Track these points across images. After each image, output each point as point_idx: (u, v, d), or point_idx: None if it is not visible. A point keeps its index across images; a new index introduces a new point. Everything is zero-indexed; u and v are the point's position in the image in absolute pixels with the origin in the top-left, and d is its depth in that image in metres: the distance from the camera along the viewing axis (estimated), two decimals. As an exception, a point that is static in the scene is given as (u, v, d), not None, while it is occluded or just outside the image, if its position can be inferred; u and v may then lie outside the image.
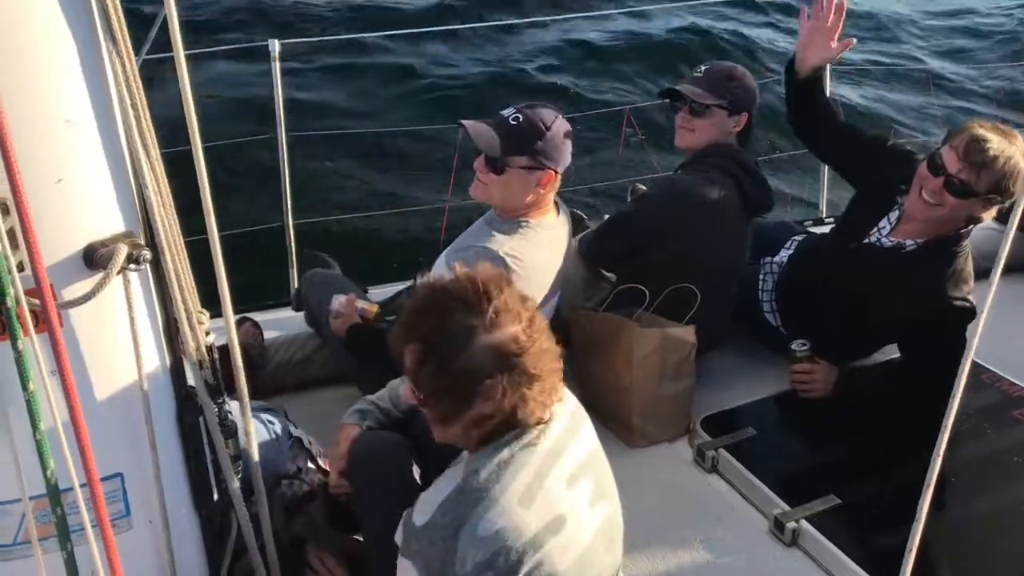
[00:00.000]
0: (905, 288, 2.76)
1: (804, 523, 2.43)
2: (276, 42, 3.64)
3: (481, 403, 1.58)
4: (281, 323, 3.21)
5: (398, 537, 1.64)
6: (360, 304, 2.86)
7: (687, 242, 2.85)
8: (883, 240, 2.88)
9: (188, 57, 1.54)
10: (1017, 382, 3.02)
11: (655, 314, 2.86)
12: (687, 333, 2.82)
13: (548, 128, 2.48)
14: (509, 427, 1.62)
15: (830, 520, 2.45)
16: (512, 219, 2.57)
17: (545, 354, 1.61)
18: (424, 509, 1.61)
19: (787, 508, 2.49)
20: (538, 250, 2.56)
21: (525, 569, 1.55)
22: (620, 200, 3.83)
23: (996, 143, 2.62)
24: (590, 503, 1.68)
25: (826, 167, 4.33)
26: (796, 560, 2.41)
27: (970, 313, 2.69)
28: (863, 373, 3.03)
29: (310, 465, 2.21)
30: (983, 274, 1.80)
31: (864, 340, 3.05)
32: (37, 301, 1.37)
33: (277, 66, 3.63)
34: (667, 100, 3.02)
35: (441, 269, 2.58)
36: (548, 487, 1.61)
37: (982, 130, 2.66)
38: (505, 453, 1.61)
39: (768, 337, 3.20)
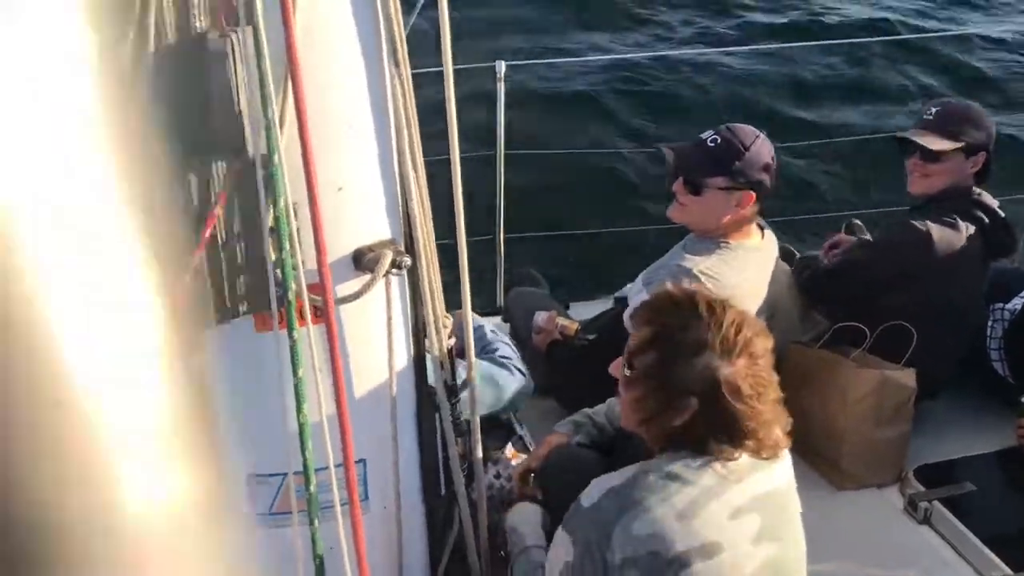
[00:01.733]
0: None
1: (1026, 589, 2.31)
2: (503, 63, 3.79)
3: (676, 416, 1.62)
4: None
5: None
6: (561, 321, 2.94)
7: (922, 290, 2.76)
8: None
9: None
10: None
11: (873, 354, 2.78)
12: (907, 377, 2.73)
13: (747, 148, 2.48)
14: (693, 445, 1.65)
15: (1056, 588, 2.30)
16: (710, 239, 2.58)
17: (760, 414, 1.62)
18: (592, 493, 1.67)
19: (1008, 572, 2.36)
20: (739, 271, 2.55)
21: None
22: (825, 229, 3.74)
23: None
24: (753, 540, 1.66)
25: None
26: (1015, 627, 2.28)
27: None
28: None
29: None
30: None
31: None
32: (316, 296, 1.53)
33: (502, 87, 3.78)
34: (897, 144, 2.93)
35: (638, 286, 2.64)
36: (711, 511, 1.62)
37: None
38: (679, 466, 1.63)
39: (994, 388, 3.03)
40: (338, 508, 1.64)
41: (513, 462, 2.29)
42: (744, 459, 1.66)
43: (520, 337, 3.16)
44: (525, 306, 3.11)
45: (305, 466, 1.63)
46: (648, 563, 1.58)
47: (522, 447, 2.26)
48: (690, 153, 2.52)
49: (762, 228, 2.66)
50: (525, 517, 2.06)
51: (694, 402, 1.59)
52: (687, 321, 1.61)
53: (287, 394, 1.66)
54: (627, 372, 1.69)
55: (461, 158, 1.75)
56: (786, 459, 1.78)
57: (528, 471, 2.17)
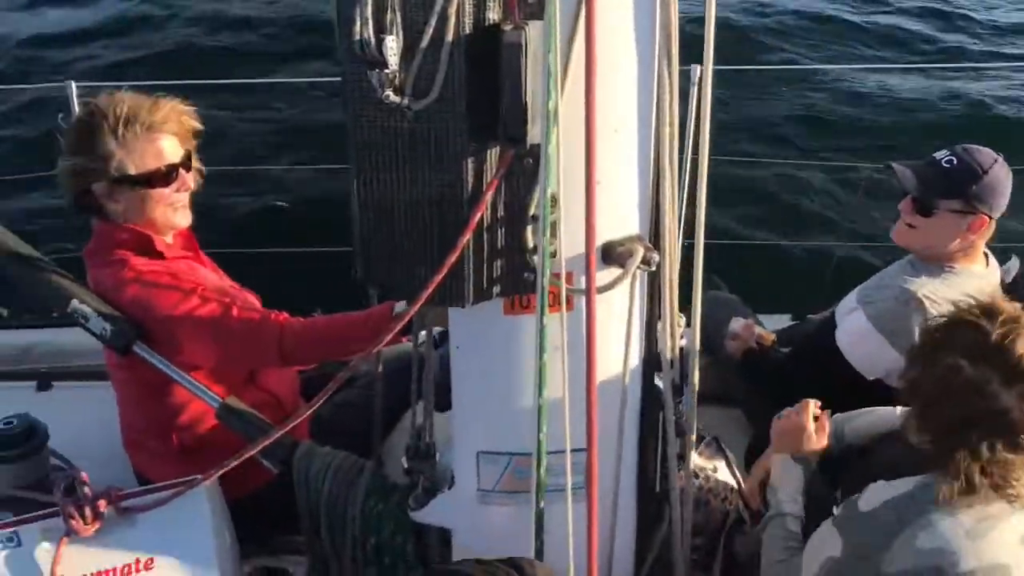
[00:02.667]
0: None
1: None
2: (699, 67, 3.77)
3: (960, 442, 1.61)
4: None
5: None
6: (758, 330, 2.90)
7: None
8: None
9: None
10: None
11: None
12: None
13: (986, 171, 2.38)
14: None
15: None
16: (935, 262, 2.49)
17: None
18: (871, 499, 1.68)
19: None
20: (963, 298, 2.44)
21: None
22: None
23: None
24: None
25: None
26: None
27: None
28: None
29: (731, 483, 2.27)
30: None
31: None
32: (568, 285, 1.57)
33: (695, 91, 3.76)
34: None
35: (851, 304, 2.57)
36: (1000, 532, 1.60)
37: None
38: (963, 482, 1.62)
39: None
40: (569, 493, 1.68)
41: (708, 463, 2.28)
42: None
43: (710, 342, 3.14)
44: (720, 312, 3.08)
45: (538, 448, 1.69)
46: None
47: (716, 449, 2.25)
48: (924, 173, 2.44)
49: (986, 254, 2.56)
50: (789, 477, 2.03)
51: (975, 437, 1.59)
52: (983, 351, 1.60)
53: (526, 376, 1.72)
54: (904, 381, 1.72)
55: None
56: None
57: (761, 483, 2.16)
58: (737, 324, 2.91)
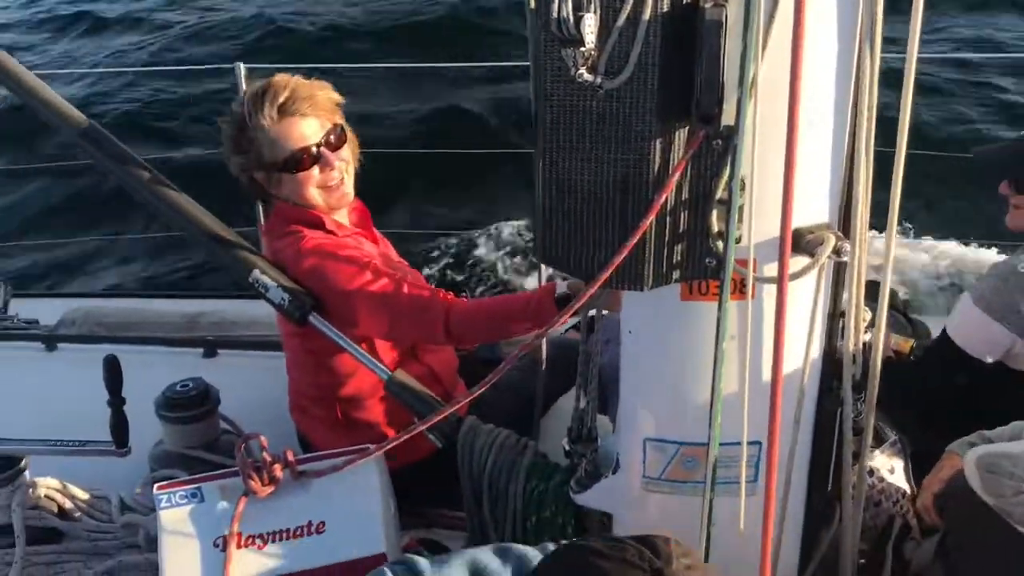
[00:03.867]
0: None
1: None
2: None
3: None
4: None
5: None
6: (895, 338, 2.77)
7: None
8: None
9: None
10: None
11: None
12: None
13: None
14: None
15: None
16: None
17: None
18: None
19: None
20: None
21: None
22: None
23: None
24: None
25: None
26: None
27: None
28: None
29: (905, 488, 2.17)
30: None
31: None
32: (753, 273, 1.53)
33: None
34: None
35: (966, 298, 2.48)
36: None
37: None
38: None
39: None
40: (743, 486, 1.64)
41: (886, 462, 2.18)
42: None
43: None
44: None
45: (711, 438, 1.65)
46: None
47: (898, 451, 2.15)
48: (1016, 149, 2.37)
49: None
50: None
51: None
52: None
53: (700, 365, 1.69)
54: None
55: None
56: None
57: (936, 496, 2.06)
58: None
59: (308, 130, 2.26)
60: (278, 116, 2.22)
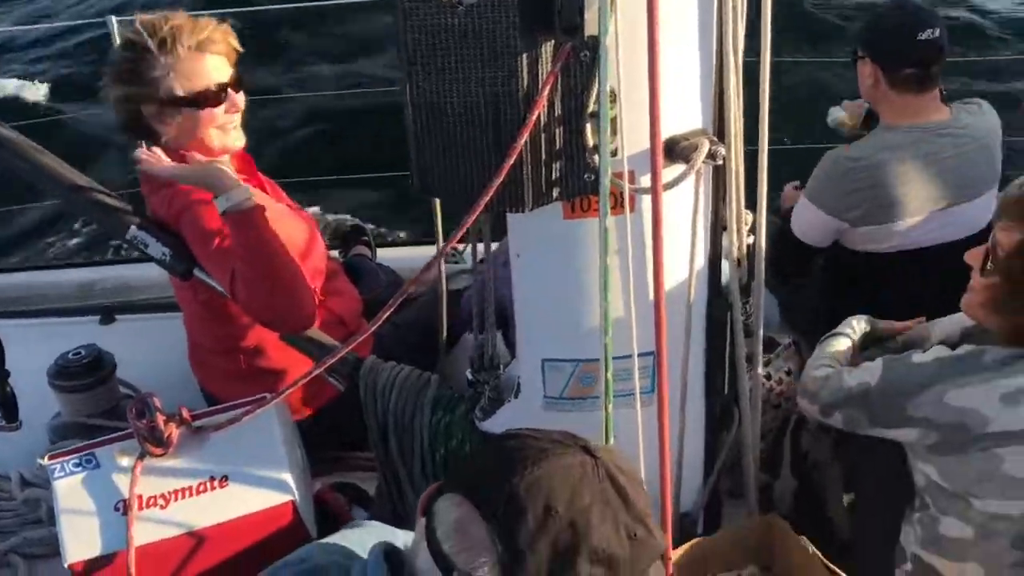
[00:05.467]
0: None
1: None
2: None
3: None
4: None
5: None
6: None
7: None
8: None
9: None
10: None
11: None
12: None
13: (880, 16, 2.62)
14: None
15: None
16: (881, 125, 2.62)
17: None
18: (927, 354, 1.77)
19: None
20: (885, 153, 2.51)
21: (974, 455, 1.66)
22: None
23: None
24: None
25: None
26: None
27: None
28: None
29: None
30: None
31: None
32: (630, 185, 1.52)
33: None
34: None
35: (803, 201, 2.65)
36: None
37: None
38: (1018, 352, 1.67)
39: None
40: (638, 397, 1.66)
41: (783, 365, 2.24)
42: None
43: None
44: None
45: (604, 354, 1.66)
46: (951, 432, 1.68)
47: (794, 352, 2.21)
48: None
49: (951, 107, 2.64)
50: (858, 323, 2.10)
51: None
52: None
53: (589, 282, 1.69)
54: (989, 266, 1.69)
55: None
56: None
57: None
58: (789, 186, 3.02)
59: (221, 68, 2.22)
60: (196, 50, 2.15)
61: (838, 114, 3.02)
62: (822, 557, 1.77)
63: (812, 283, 2.88)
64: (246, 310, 2.11)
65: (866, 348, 2.05)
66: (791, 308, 2.82)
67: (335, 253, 3.13)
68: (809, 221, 2.61)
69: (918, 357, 1.76)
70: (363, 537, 1.41)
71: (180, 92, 2.15)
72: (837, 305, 2.61)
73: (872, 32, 2.63)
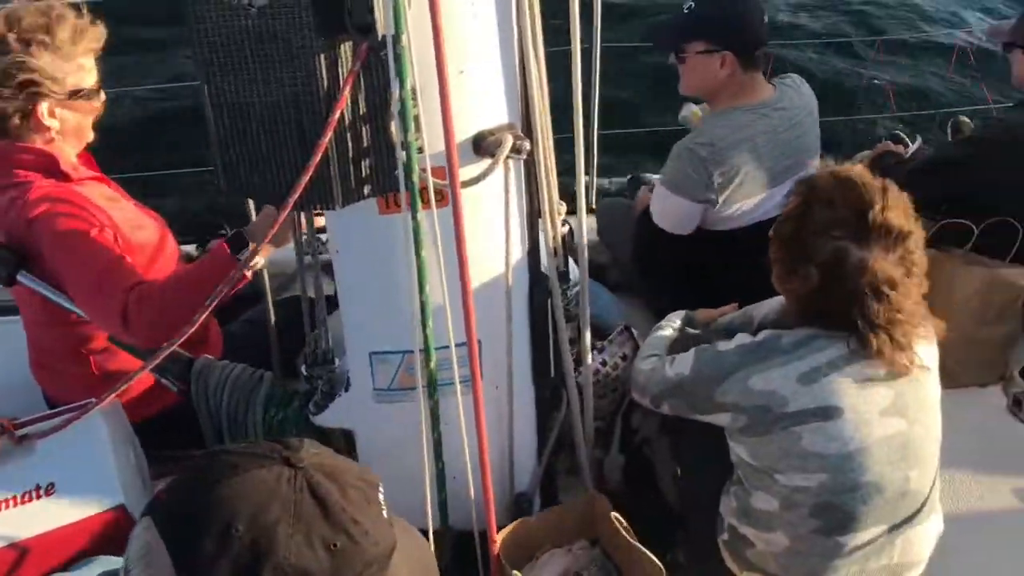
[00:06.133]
0: None
1: None
2: None
3: (799, 283, 1.76)
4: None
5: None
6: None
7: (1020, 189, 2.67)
8: None
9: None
10: None
11: (977, 252, 2.72)
12: (1017, 275, 2.66)
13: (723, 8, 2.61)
14: (827, 319, 1.76)
15: None
16: (714, 109, 2.73)
17: (892, 303, 1.70)
18: (732, 342, 1.85)
19: None
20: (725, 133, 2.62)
21: (776, 434, 1.75)
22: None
23: None
24: (881, 412, 1.76)
25: None
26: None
27: None
28: None
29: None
30: None
31: None
32: (443, 181, 1.55)
33: None
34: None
35: (660, 189, 2.72)
36: (834, 378, 1.74)
37: None
38: (810, 335, 1.77)
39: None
40: (457, 385, 1.70)
41: (618, 351, 2.32)
42: (879, 338, 1.71)
43: (609, 240, 3.21)
44: (614, 212, 3.15)
45: (425, 344, 1.69)
46: (756, 414, 1.77)
47: (627, 338, 2.29)
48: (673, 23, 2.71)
49: (775, 86, 2.74)
50: (677, 315, 2.24)
51: (814, 273, 1.70)
52: (839, 197, 1.70)
53: (408, 275, 1.72)
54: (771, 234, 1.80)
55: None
56: (930, 346, 1.88)
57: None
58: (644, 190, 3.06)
59: (94, 64, 2.19)
60: (79, 45, 2.11)
61: (690, 111, 3.09)
62: (628, 533, 1.88)
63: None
64: (104, 321, 2.07)
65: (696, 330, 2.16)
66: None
67: (191, 248, 3.07)
68: (675, 212, 2.65)
69: (723, 345, 1.85)
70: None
71: (71, 86, 2.12)
72: (686, 285, 2.72)
73: (727, 20, 2.61)
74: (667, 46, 2.66)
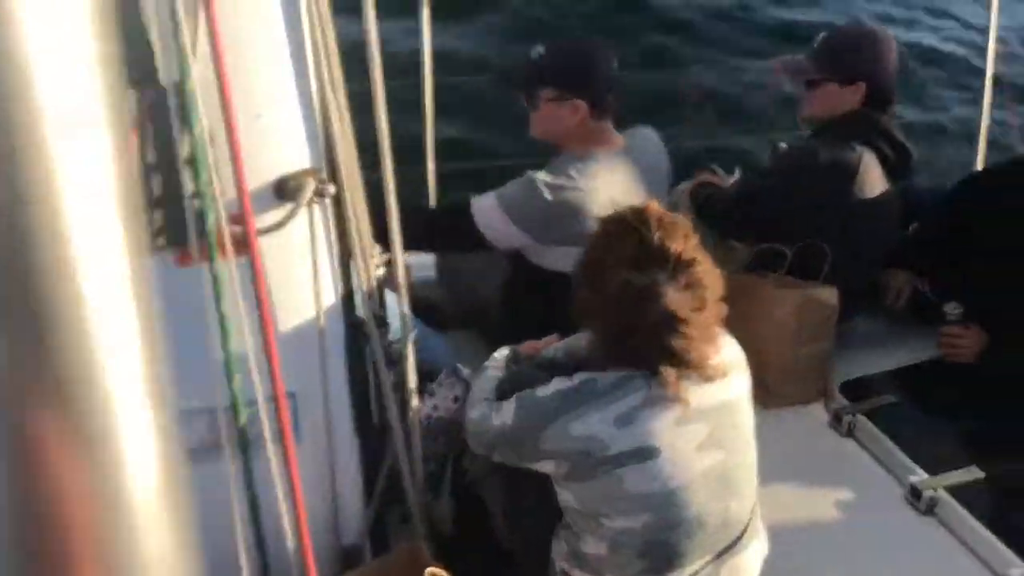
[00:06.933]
0: None
1: (942, 492, 2.41)
2: None
3: (602, 323, 1.79)
4: (424, 265, 3.31)
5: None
6: None
7: (829, 213, 2.81)
8: None
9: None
10: None
11: (792, 275, 2.84)
12: (828, 295, 2.79)
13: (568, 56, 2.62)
14: (635, 359, 1.76)
15: (970, 492, 2.41)
16: (564, 152, 2.71)
17: (690, 335, 1.71)
18: (550, 387, 1.82)
19: (925, 477, 2.47)
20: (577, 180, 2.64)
21: (600, 479, 1.75)
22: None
23: None
24: (698, 447, 1.78)
25: (983, 134, 4.15)
26: (931, 528, 2.39)
27: None
28: (1013, 342, 2.93)
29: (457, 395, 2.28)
30: None
31: (1018, 308, 2.93)
32: (236, 228, 1.49)
33: (426, 10, 3.67)
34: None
35: (491, 199, 2.67)
36: (650, 417, 1.74)
37: None
38: (623, 377, 1.76)
39: (916, 303, 3.13)
40: (268, 442, 1.63)
41: (449, 393, 2.28)
42: (687, 374, 1.74)
43: (445, 275, 3.19)
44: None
45: (233, 400, 1.62)
46: (578, 459, 1.76)
47: (456, 379, 2.26)
48: (525, 69, 2.66)
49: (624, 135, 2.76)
50: (501, 354, 2.17)
51: (610, 308, 1.72)
52: (624, 234, 1.71)
53: (213, 328, 1.64)
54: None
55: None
56: (742, 373, 1.90)
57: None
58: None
59: None
60: None
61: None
62: None
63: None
64: None
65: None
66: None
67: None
68: (498, 227, 2.61)
69: (542, 391, 1.82)
70: None
71: None
72: (523, 318, 2.71)
73: (577, 69, 2.62)
74: (519, 90, 2.66)
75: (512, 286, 2.94)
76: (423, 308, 2.99)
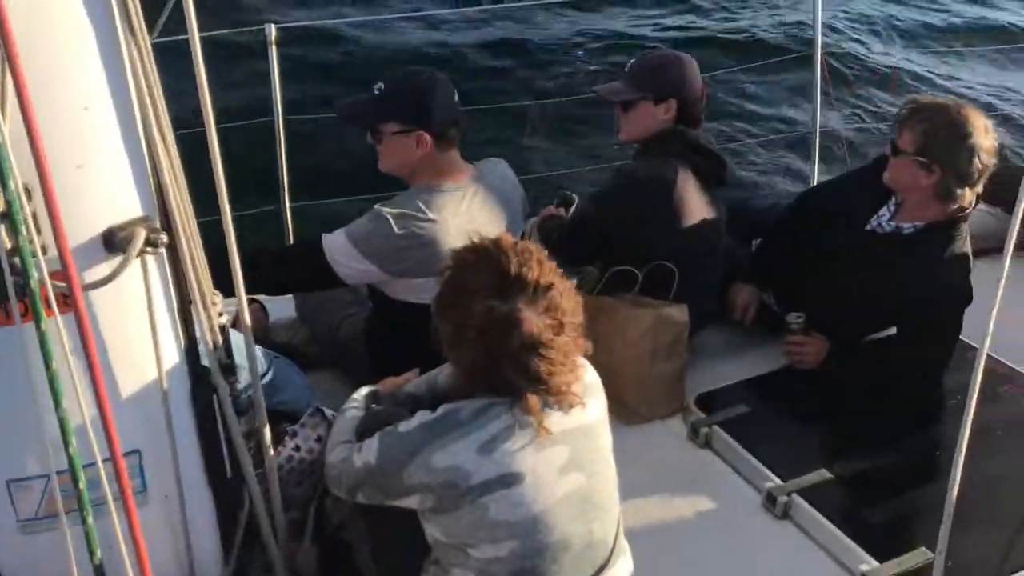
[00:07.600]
0: (902, 272, 2.81)
1: (796, 497, 2.51)
2: (272, 27, 3.65)
3: (462, 351, 1.77)
4: (283, 307, 3.25)
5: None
6: None
7: (657, 227, 2.91)
8: (884, 225, 2.94)
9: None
10: (1001, 359, 3.08)
11: (643, 295, 2.92)
12: (679, 312, 2.88)
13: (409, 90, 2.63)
14: (495, 386, 1.77)
15: (821, 494, 2.52)
16: (414, 184, 2.73)
17: (551, 359, 1.72)
18: (412, 422, 1.81)
19: (779, 482, 2.56)
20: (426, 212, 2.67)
21: (466, 509, 1.74)
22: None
23: (925, 104, 2.78)
24: (560, 470, 1.80)
25: (816, 148, 4.39)
26: (787, 532, 2.48)
27: (966, 298, 2.74)
28: (854, 349, 3.09)
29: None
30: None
31: (857, 321, 3.10)
32: (62, 283, 1.42)
33: (274, 51, 3.64)
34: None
35: (340, 238, 2.66)
36: (512, 444, 1.76)
37: (921, 98, 2.75)
38: (484, 405, 1.78)
39: (763, 316, 3.26)
40: (111, 504, 1.56)
41: (312, 434, 2.23)
42: (543, 397, 1.75)
43: (306, 313, 3.14)
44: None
45: (71, 464, 1.54)
46: (444, 491, 1.75)
47: (320, 419, 2.21)
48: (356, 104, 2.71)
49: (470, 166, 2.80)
50: (360, 394, 2.15)
51: (473, 337, 1.71)
52: (483, 262, 1.73)
53: (42, 391, 1.56)
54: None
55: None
56: (598, 396, 1.92)
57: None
58: None
59: None
60: None
61: None
62: None
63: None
64: None
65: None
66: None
67: None
68: (348, 261, 2.59)
69: (404, 426, 1.81)
70: None
71: None
72: (384, 354, 2.68)
73: (417, 102, 2.60)
74: (363, 126, 2.65)
75: (372, 322, 2.92)
76: (284, 349, 2.95)
